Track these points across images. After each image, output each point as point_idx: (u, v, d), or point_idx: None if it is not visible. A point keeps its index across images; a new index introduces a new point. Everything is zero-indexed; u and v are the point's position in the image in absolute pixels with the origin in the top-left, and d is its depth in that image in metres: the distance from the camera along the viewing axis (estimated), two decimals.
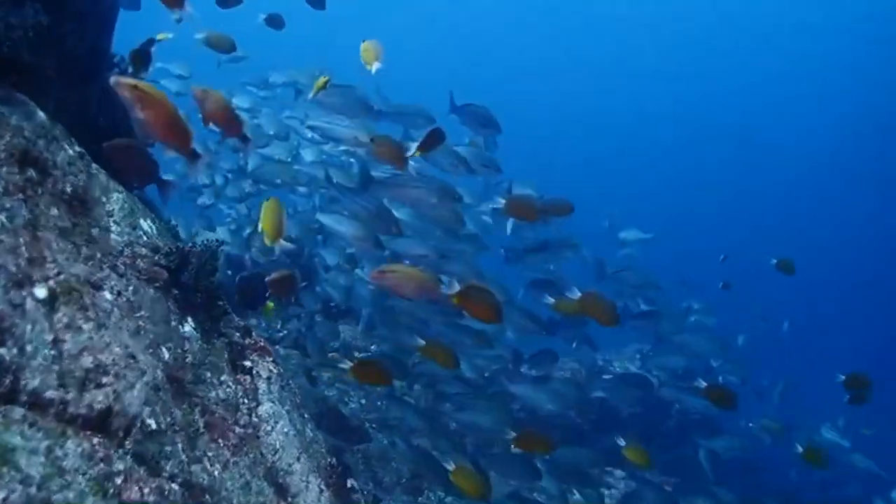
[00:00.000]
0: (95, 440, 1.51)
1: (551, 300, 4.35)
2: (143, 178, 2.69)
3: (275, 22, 4.99)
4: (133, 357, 1.78)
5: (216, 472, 1.96)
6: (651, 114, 30.97)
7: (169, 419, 1.78)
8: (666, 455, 7.11)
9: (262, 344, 2.80)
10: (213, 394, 2.20)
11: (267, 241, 3.18)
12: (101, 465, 1.48)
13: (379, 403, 5.89)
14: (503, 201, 4.58)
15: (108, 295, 1.98)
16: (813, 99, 28.19)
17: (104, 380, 1.60)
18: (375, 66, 3.81)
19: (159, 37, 4.55)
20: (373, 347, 6.44)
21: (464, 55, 29.80)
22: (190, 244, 2.52)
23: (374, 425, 5.66)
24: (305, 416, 2.75)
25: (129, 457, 1.58)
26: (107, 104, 3.47)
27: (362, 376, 3.86)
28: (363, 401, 5.90)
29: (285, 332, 6.18)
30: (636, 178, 28.11)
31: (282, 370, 2.80)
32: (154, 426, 1.69)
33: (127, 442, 1.60)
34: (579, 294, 3.81)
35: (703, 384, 4.35)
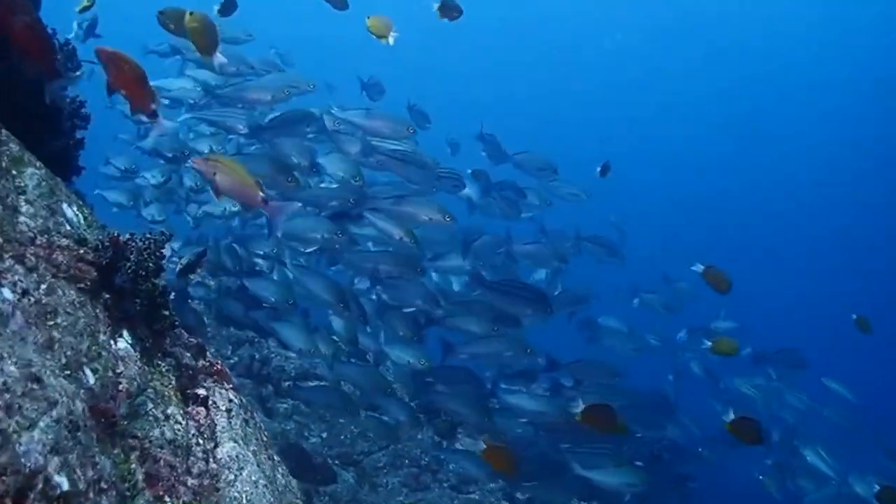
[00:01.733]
0: None
1: (708, 343, 4.94)
2: (26, 40, 2.09)
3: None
4: (38, 380, 1.20)
5: None
6: (654, 112, 30.92)
7: (91, 473, 1.21)
8: None
9: (219, 367, 2.22)
10: (156, 432, 1.62)
11: (204, 58, 3.10)
12: None
13: (342, 437, 5.29)
14: (702, 268, 4.96)
15: (7, 293, 1.40)
16: (823, 97, 28.45)
17: None
18: (392, 37, 3.77)
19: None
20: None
21: (463, 54, 29.43)
22: (127, 236, 1.94)
23: (337, 462, 5.05)
24: (275, 457, 2.17)
25: None
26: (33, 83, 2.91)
27: (493, 460, 4.03)
28: (324, 434, 5.29)
29: (236, 358, 5.54)
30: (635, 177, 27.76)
31: (243, 400, 2.23)
32: (66, 486, 1.11)
33: None
34: (732, 416, 3.99)
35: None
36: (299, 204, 4.42)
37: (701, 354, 8.63)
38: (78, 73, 2.57)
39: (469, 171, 5.43)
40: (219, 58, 3.46)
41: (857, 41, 26.43)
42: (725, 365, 8.80)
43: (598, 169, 6.01)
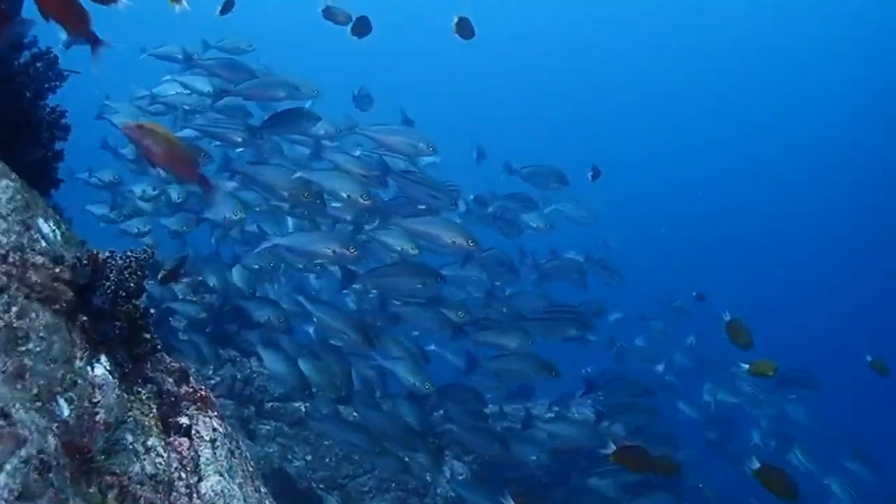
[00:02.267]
0: None
1: (745, 366, 4.91)
2: None
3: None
4: (5, 416, 1.08)
5: None
6: (648, 110, 30.97)
7: None
8: None
9: (202, 393, 2.09)
10: (135, 467, 1.50)
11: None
12: None
13: (327, 460, 5.13)
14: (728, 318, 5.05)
15: None
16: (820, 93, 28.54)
17: None
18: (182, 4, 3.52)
19: None
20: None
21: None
22: (106, 254, 1.82)
23: (321, 486, 4.90)
24: (262, 489, 2.04)
25: None
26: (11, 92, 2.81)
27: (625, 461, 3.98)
28: (308, 457, 5.13)
29: (218, 378, 5.38)
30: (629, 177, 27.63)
31: (228, 428, 2.10)
32: None
33: None
34: (758, 465, 3.92)
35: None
36: (235, 184, 4.42)
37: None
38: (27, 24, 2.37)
39: (472, 196, 5.53)
40: (183, 5, 3.44)
41: (859, 45, 26.62)
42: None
43: (590, 174, 6.34)
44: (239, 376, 5.40)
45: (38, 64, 3.10)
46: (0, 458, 1.00)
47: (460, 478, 5.53)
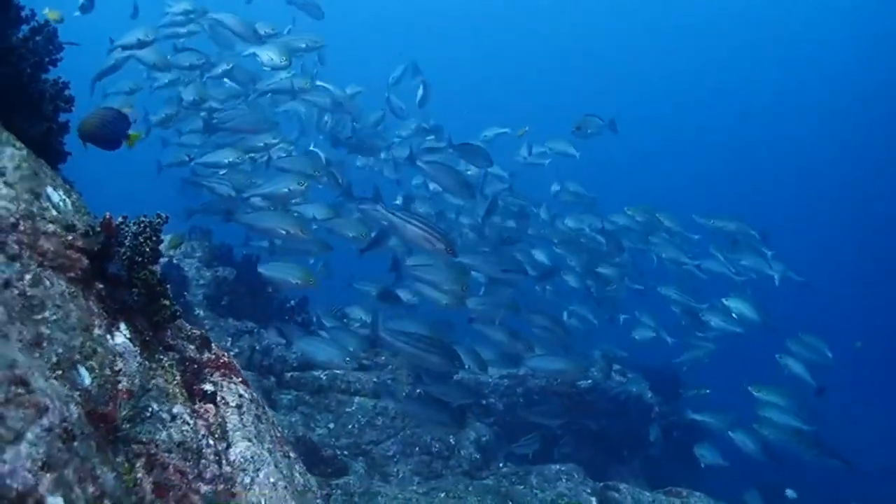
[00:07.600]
0: None
1: None
2: None
3: None
4: (24, 383, 1.02)
5: None
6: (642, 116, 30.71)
7: (91, 489, 1.03)
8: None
9: (225, 359, 2.04)
10: (162, 435, 1.45)
11: None
12: None
13: (350, 427, 5.11)
14: None
15: None
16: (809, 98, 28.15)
17: None
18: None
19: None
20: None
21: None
22: (119, 219, 1.76)
23: (345, 452, 4.88)
24: (291, 455, 2.00)
25: None
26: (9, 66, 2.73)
27: None
28: (331, 425, 5.11)
29: (236, 349, 5.35)
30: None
31: (254, 394, 2.06)
32: None
33: None
34: None
35: None
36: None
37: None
38: None
39: None
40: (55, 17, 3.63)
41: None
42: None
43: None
44: (258, 347, 5.37)
45: (38, 37, 3.02)
46: (21, 426, 0.94)
47: (483, 439, 5.53)
